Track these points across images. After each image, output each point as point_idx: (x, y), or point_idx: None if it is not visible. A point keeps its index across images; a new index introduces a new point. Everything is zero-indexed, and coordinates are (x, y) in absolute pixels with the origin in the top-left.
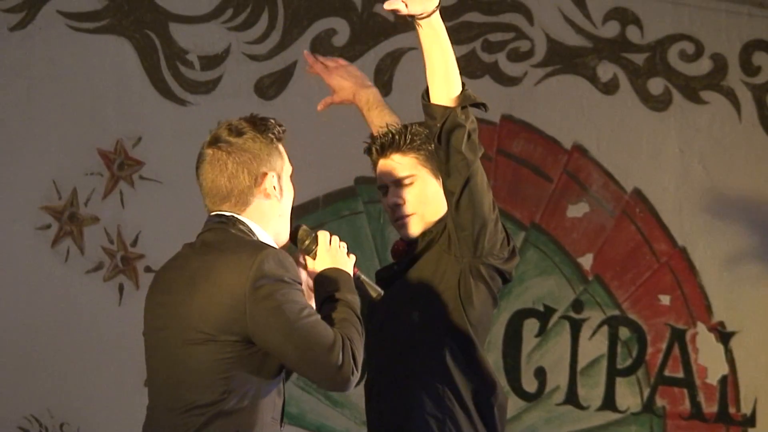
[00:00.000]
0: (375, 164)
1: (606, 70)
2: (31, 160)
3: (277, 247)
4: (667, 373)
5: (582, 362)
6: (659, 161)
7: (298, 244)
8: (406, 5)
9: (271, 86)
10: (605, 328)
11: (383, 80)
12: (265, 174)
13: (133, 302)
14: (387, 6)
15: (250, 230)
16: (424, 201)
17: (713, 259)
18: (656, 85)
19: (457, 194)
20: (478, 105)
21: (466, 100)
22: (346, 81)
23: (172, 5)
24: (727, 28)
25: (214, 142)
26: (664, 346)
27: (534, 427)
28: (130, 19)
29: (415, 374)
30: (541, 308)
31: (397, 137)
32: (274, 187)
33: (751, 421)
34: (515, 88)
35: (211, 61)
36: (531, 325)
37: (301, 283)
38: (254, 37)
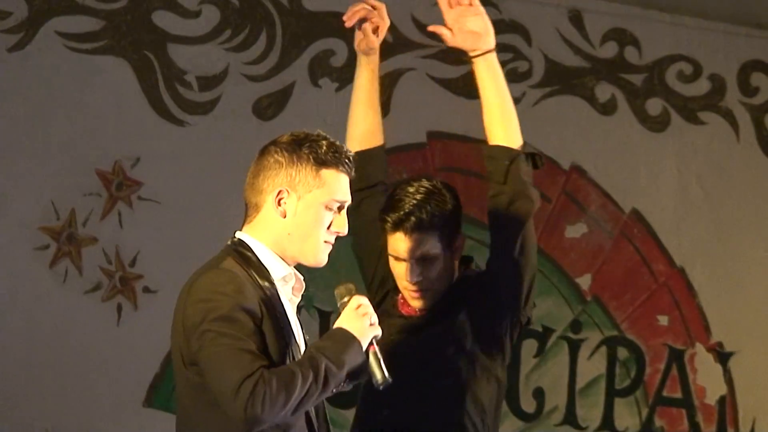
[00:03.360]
0: (388, 233)
1: (604, 91)
2: (29, 180)
3: (287, 267)
4: (665, 393)
5: (580, 382)
6: (657, 182)
7: (336, 299)
8: (453, 34)
9: (269, 107)
10: (604, 349)
11: (383, 100)
12: (281, 192)
13: (132, 322)
14: (430, 28)
15: (249, 248)
16: (440, 277)
17: (711, 279)
18: (654, 106)
19: (515, 239)
20: (536, 158)
21: (527, 147)
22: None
23: (170, 26)
24: (725, 48)
25: (264, 147)
26: (662, 366)
27: None
28: (129, 40)
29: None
30: (540, 328)
31: (423, 217)
32: (290, 207)
33: None
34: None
35: (209, 82)
36: (529, 346)
37: (247, 308)
38: (252, 58)
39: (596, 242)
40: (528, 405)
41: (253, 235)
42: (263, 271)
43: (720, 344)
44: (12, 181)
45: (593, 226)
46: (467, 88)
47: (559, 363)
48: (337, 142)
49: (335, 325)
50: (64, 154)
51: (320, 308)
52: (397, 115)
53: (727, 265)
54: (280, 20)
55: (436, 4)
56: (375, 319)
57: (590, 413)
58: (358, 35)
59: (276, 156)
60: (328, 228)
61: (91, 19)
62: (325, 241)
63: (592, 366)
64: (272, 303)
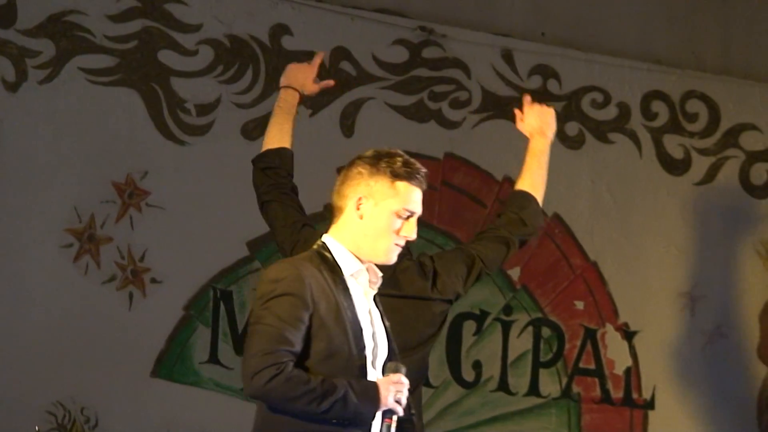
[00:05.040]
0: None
1: None
2: (56, 190)
3: (359, 264)
4: (581, 365)
5: (511, 356)
6: (575, 191)
7: (386, 371)
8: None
9: (254, 129)
10: (530, 328)
11: (347, 124)
12: (361, 198)
13: (141, 307)
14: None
15: (328, 249)
16: None
17: (619, 271)
18: (572, 128)
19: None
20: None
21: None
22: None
23: (172, 62)
24: (630, 81)
25: (351, 160)
26: (579, 342)
27: (472, 410)
28: (139, 74)
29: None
30: (478, 312)
31: None
32: (367, 211)
33: (650, 404)
34: (456, 131)
35: (205, 109)
36: (469, 326)
37: (299, 296)
38: (241, 89)
39: None
40: (468, 375)
41: (335, 236)
42: (337, 270)
43: (626, 325)
44: (41, 191)
45: None
46: (418, 114)
47: (493, 340)
48: (412, 160)
49: (373, 381)
50: (85, 169)
51: None
52: (360, 135)
53: (632, 260)
54: (264, 58)
55: (392, 44)
56: (403, 400)
57: (519, 381)
58: (314, 86)
59: (359, 168)
60: (398, 233)
61: (107, 57)
62: (395, 244)
63: (521, 343)
64: (336, 297)
